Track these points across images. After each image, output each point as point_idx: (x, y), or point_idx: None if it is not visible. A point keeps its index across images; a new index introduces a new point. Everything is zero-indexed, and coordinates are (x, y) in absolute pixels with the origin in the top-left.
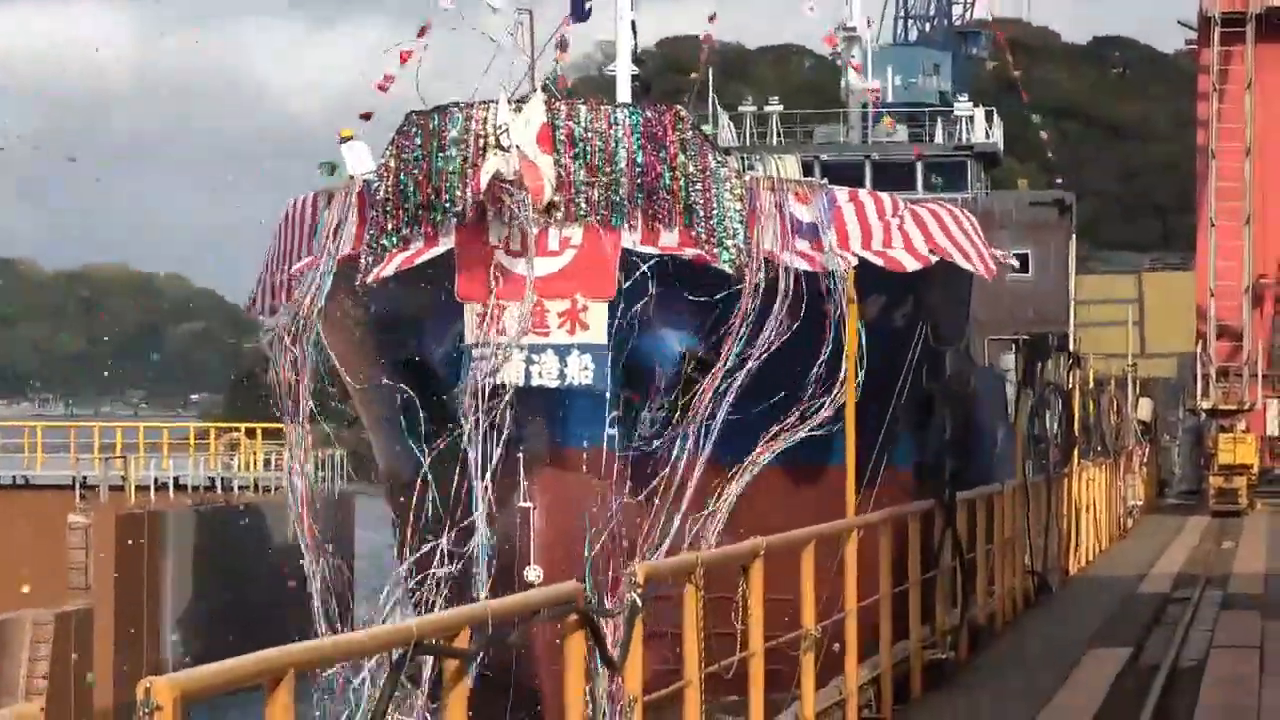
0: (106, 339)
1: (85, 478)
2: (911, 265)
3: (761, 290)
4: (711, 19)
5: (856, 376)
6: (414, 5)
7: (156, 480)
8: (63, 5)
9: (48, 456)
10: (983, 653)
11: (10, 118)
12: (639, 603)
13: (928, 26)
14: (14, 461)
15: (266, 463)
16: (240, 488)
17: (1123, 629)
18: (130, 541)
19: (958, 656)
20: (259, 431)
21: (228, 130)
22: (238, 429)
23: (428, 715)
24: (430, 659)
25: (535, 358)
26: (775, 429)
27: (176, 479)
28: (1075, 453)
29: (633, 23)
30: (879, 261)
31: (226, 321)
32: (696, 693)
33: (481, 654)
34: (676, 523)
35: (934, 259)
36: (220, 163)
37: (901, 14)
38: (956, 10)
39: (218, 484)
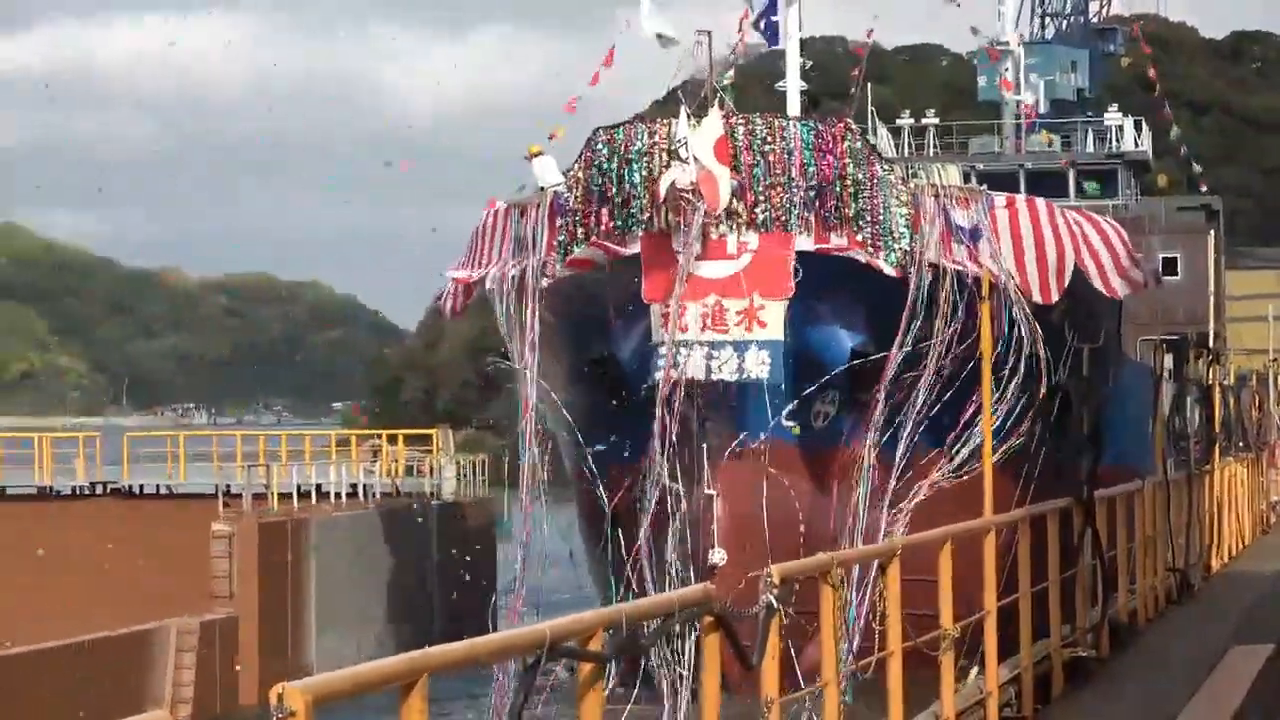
0: (248, 345)
1: (229, 486)
2: (1038, 297)
3: (925, 291)
4: (869, 34)
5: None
6: (536, 9)
7: (299, 487)
8: (189, 15)
9: (191, 465)
10: (1124, 651)
11: (143, 128)
12: (775, 603)
13: (1064, 24)
14: (158, 471)
15: (409, 469)
16: (382, 494)
17: (1265, 626)
18: (274, 549)
19: (1099, 655)
20: (400, 438)
21: (355, 136)
22: (379, 435)
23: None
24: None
25: (715, 354)
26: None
27: (319, 486)
28: (1217, 449)
29: (801, 41)
30: (1016, 280)
31: (367, 329)
32: (835, 692)
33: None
34: (864, 515)
35: (1057, 297)
36: (351, 168)
37: (1039, 12)
38: (1093, 7)
39: (360, 490)
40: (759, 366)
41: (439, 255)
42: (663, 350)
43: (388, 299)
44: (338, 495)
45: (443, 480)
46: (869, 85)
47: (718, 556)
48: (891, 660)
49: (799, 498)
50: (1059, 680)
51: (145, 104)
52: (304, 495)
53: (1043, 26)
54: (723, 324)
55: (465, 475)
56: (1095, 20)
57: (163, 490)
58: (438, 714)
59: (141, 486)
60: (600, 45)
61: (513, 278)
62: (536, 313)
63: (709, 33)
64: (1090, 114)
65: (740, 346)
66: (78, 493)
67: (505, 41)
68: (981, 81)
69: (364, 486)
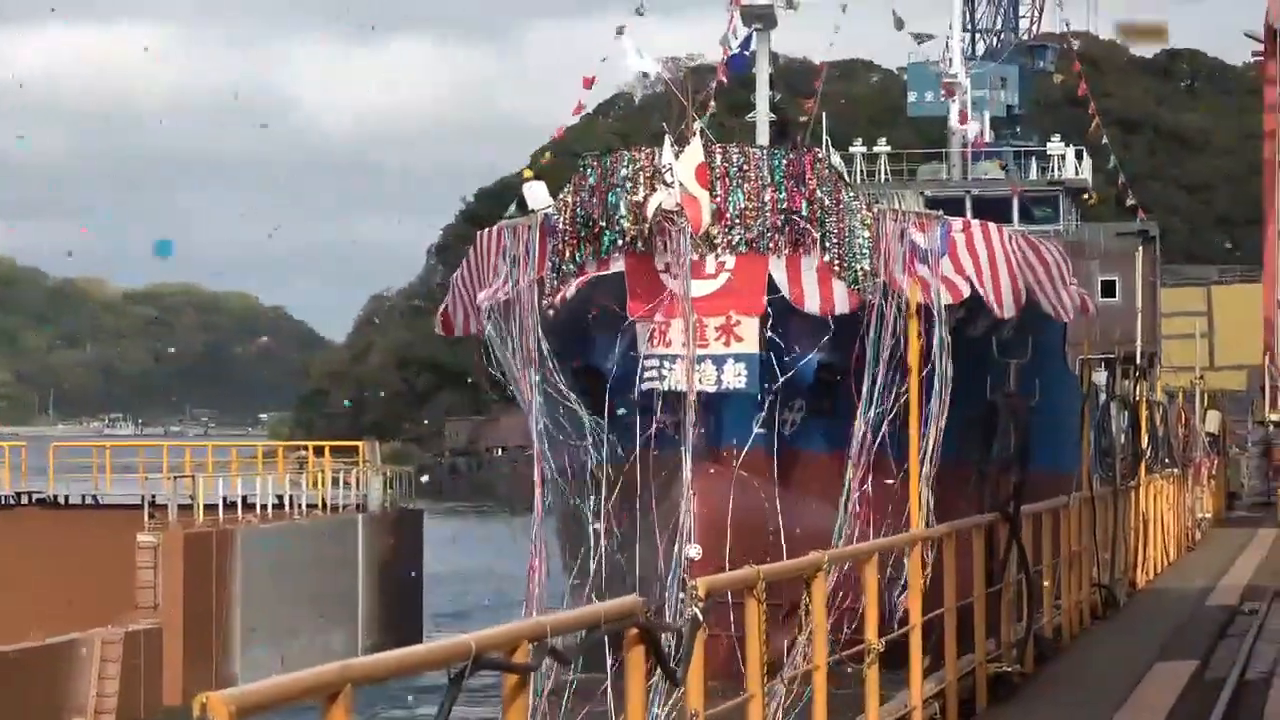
0: (173, 355)
1: (154, 497)
2: (1010, 310)
3: (877, 311)
4: (821, 67)
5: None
6: (455, 25)
7: (225, 499)
8: (108, 24)
9: (116, 476)
10: (1049, 666)
11: (58, 138)
12: (700, 616)
13: (995, 40)
14: (84, 482)
15: (335, 481)
16: (309, 505)
17: (1190, 642)
18: (199, 560)
19: (1023, 670)
20: (326, 450)
21: (273, 149)
22: (305, 447)
23: None
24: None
25: (696, 367)
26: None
27: (245, 498)
28: (1143, 465)
29: (770, 75)
30: (984, 294)
31: (293, 339)
32: (760, 706)
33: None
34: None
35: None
36: (270, 181)
37: (969, 28)
38: (1024, 24)
39: (286, 502)
40: (736, 378)
41: (363, 268)
42: (649, 363)
43: (316, 311)
44: (264, 507)
45: (369, 492)
46: (800, 102)
47: (693, 552)
48: (817, 674)
49: (769, 499)
50: (983, 695)
51: (65, 115)
52: (230, 507)
53: (973, 43)
54: (703, 340)
55: (392, 487)
56: (1026, 37)
57: (88, 501)
58: None
59: (67, 497)
60: (513, 58)
61: (507, 292)
62: (536, 326)
63: (691, 68)
64: (1019, 129)
65: (719, 360)
66: (2, 503)
67: (422, 55)
68: (912, 97)
69: (290, 498)
